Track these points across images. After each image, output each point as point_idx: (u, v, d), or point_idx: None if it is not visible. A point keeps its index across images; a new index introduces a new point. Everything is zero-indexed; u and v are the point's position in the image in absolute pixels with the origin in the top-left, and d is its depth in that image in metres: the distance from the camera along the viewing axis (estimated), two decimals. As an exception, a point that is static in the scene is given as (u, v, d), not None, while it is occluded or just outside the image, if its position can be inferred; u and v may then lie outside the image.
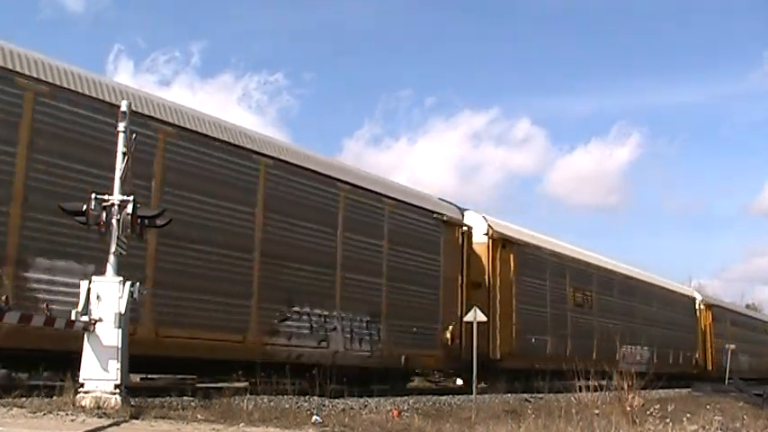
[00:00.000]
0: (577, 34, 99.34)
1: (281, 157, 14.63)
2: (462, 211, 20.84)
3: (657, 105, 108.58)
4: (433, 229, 18.99)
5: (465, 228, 20.37)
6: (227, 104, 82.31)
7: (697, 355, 37.19)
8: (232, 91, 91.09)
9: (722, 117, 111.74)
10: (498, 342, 20.64)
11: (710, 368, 38.20)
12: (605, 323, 27.49)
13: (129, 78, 72.34)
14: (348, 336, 15.83)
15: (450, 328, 18.97)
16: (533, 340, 22.73)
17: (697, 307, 38.54)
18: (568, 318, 25.14)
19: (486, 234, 21.15)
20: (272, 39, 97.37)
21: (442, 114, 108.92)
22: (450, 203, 20.85)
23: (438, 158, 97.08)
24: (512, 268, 21.88)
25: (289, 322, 14.40)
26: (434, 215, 19.03)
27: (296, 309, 14.60)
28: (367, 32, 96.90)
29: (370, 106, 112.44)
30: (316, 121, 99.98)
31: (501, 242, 21.48)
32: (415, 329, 17.91)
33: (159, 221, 9.74)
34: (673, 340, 34.21)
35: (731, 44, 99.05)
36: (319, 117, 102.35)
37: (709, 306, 39.97)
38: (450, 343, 18.89)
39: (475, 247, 20.82)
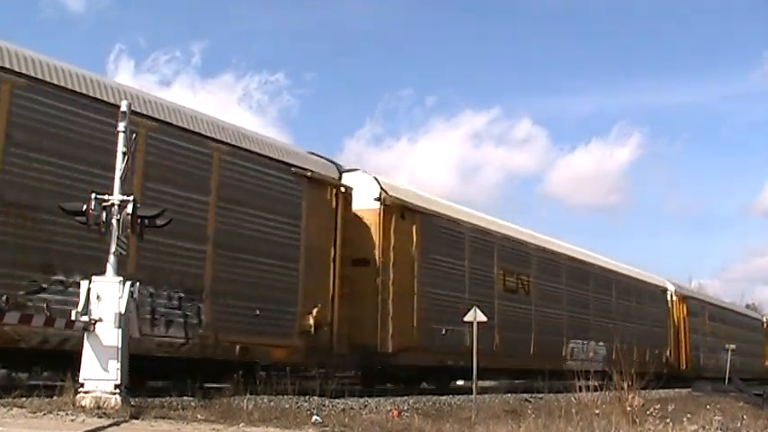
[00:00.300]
0: (578, 34, 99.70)
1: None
2: (341, 169, 16.74)
3: (658, 105, 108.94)
4: (292, 188, 14.81)
5: (342, 189, 16.19)
6: (227, 104, 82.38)
7: (668, 353, 33.11)
8: (233, 91, 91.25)
9: (722, 117, 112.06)
10: (390, 332, 16.72)
11: (684, 366, 34.52)
12: (547, 313, 23.59)
13: (129, 78, 72.42)
14: (148, 316, 11.77)
15: (315, 311, 14.86)
16: (444, 332, 18.53)
17: (669, 298, 34.57)
18: (496, 305, 20.89)
19: (379, 199, 17.16)
20: (273, 38, 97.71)
21: (442, 114, 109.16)
22: (327, 160, 16.68)
23: (439, 158, 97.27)
24: (414, 243, 17.92)
25: (46, 295, 10.52)
26: (293, 169, 14.84)
27: (59, 278, 10.72)
28: (367, 32, 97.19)
29: (371, 106, 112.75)
30: (316, 121, 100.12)
31: (399, 210, 17.56)
32: (258, 312, 13.77)
33: (159, 221, 9.75)
34: (638, 335, 29.32)
35: (731, 44, 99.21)
36: (320, 117, 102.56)
37: (683, 298, 36.06)
38: (313, 331, 14.81)
39: (361, 214, 17.02)
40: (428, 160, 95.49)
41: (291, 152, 15.44)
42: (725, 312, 43.47)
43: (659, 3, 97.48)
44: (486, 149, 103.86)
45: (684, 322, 35.42)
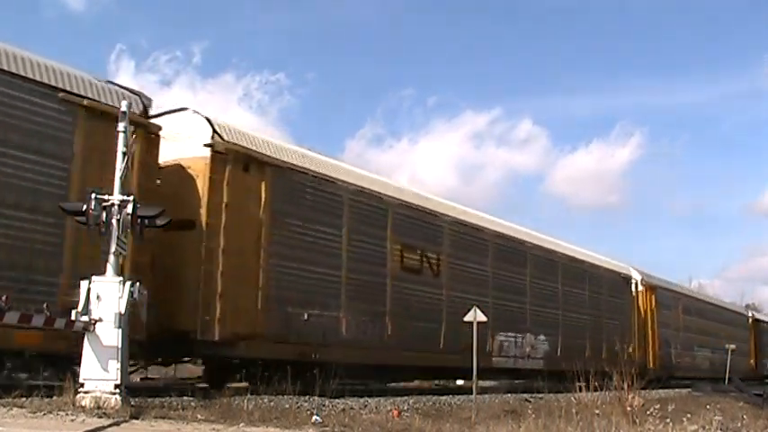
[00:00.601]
0: (579, 34, 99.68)
1: None
2: (148, 104, 12.78)
3: (659, 105, 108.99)
4: (58, 119, 11.07)
5: (146, 128, 12.31)
6: (228, 104, 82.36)
7: (631, 349, 28.50)
8: (233, 91, 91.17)
9: (723, 117, 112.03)
10: (218, 314, 12.84)
11: (652, 365, 29.94)
12: (466, 300, 18.56)
13: (130, 78, 72.34)
14: None
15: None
16: (305, 317, 14.51)
17: (634, 288, 30.35)
18: (389, 288, 16.91)
19: (210, 146, 13.35)
20: (274, 38, 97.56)
21: (444, 115, 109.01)
22: (131, 91, 12.63)
23: (440, 159, 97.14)
24: (262, 203, 13.96)
25: None
26: (62, 95, 11.10)
27: None
28: (369, 32, 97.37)
29: (372, 106, 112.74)
30: (317, 121, 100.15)
31: (240, 160, 13.73)
32: None
33: (159, 221, 9.76)
34: (592, 328, 26.19)
35: (732, 44, 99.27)
36: (321, 117, 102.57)
37: (651, 288, 31.45)
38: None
39: (188, 164, 13.46)
40: (429, 160, 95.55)
41: (64, 73, 11.42)
42: (704, 306, 39.34)
43: (660, 3, 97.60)
44: (487, 150, 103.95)
45: (653, 315, 31.24)
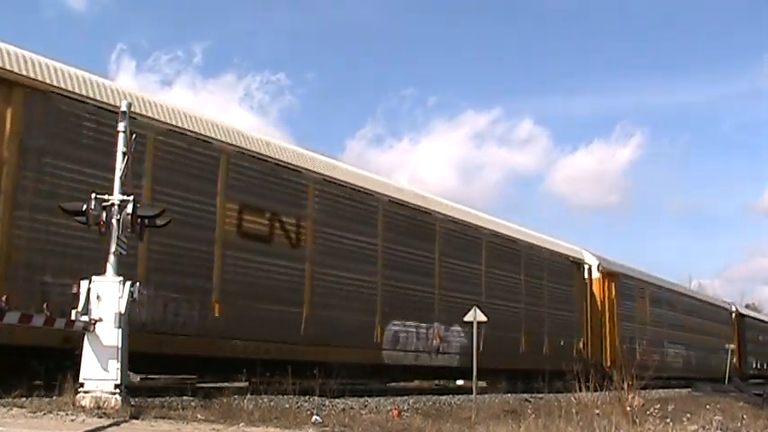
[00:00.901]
0: (580, 34, 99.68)
1: None
2: None
3: (659, 105, 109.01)
4: None
5: None
6: (229, 104, 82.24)
7: (581, 345, 24.97)
8: (234, 90, 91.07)
9: (723, 117, 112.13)
10: None
11: (608, 363, 24.81)
12: (339, 279, 15.57)
13: (130, 78, 72.22)
14: None
15: None
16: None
17: (587, 274, 26.12)
18: (218, 258, 13.17)
19: None
20: (275, 38, 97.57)
21: (444, 115, 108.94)
22: None
23: (440, 158, 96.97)
24: (6, 136, 10.39)
25: None
26: None
27: None
28: (369, 32, 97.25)
29: (373, 106, 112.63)
30: (318, 121, 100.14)
31: None
32: None
33: (159, 221, 9.76)
34: (529, 320, 22.30)
35: (732, 43, 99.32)
36: (321, 116, 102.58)
37: (610, 275, 27.18)
38: None
39: None
40: (430, 160, 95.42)
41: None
42: (677, 298, 34.80)
43: (660, 3, 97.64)
44: (487, 150, 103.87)
45: (612, 306, 27.01)
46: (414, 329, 17.84)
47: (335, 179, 16.01)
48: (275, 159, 14.67)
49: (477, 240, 20.48)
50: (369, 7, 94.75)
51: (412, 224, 18.09)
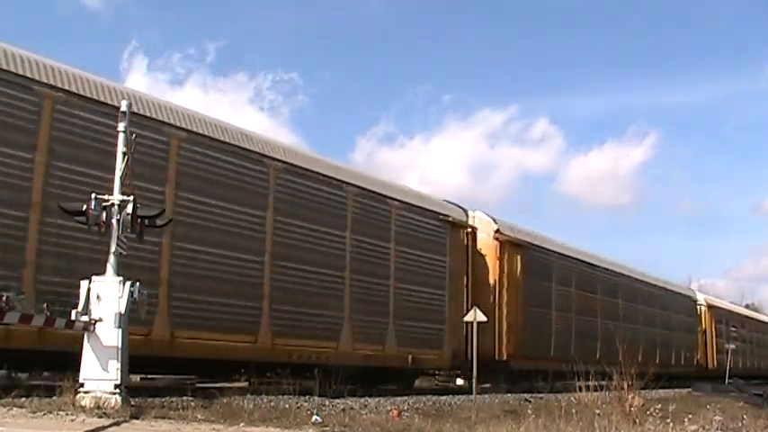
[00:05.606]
0: (597, 33, 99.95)
1: None
2: None
3: (673, 105, 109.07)
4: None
5: None
6: (242, 102, 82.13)
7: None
8: (247, 89, 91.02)
9: (728, 118, 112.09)
10: None
11: (505, 355, 20.92)
12: (197, 256, 13.15)
13: (141, 76, 72.09)
14: None
15: None
16: None
17: (470, 240, 20.40)
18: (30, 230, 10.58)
19: None
20: (287, 37, 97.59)
21: (458, 113, 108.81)
22: None
23: (452, 157, 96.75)
24: None
25: None
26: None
27: None
28: (383, 31, 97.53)
29: (387, 104, 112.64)
30: (330, 119, 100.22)
31: None
32: None
33: (159, 221, 9.76)
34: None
35: (738, 44, 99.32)
36: (335, 115, 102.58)
37: (512, 244, 21.39)
38: None
39: None
40: (442, 159, 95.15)
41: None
42: (617, 280, 28.41)
43: (678, 2, 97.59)
44: (501, 149, 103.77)
45: (515, 285, 21.57)
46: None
47: (214, 139, 13.67)
48: (184, 124, 13.26)
49: (388, 212, 17.23)
50: (383, 5, 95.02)
51: (299, 191, 15.10)
